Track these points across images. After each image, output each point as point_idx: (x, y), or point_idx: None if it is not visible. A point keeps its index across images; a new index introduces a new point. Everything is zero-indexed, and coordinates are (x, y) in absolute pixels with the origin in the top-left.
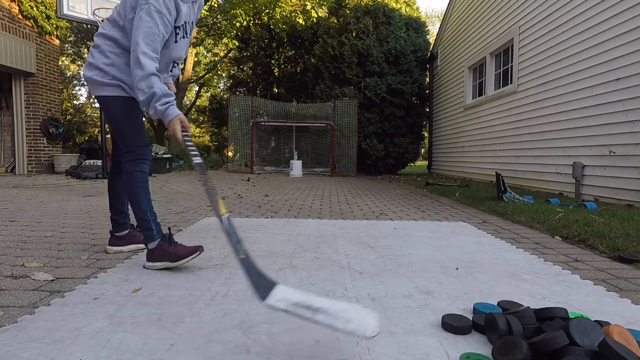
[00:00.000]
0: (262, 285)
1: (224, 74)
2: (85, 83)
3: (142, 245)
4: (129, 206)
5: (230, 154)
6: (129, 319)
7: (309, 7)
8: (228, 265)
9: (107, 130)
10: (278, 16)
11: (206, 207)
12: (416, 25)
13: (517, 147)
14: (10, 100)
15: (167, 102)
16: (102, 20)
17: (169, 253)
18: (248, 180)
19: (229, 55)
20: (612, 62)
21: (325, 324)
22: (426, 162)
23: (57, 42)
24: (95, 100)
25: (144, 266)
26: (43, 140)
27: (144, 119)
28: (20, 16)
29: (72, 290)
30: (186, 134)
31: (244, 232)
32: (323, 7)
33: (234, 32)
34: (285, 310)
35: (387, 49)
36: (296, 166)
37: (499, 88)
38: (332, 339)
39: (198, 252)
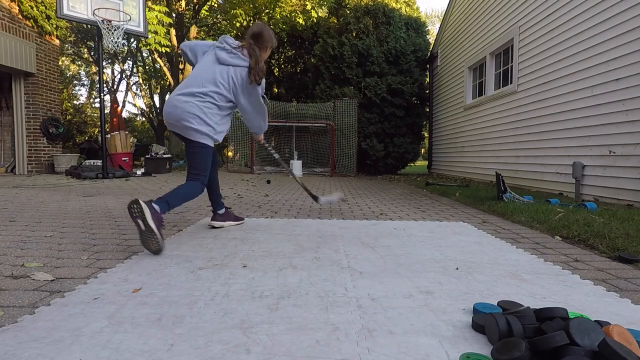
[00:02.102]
0: (315, 197)
1: None
2: (187, 129)
3: (234, 223)
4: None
5: (230, 154)
6: (129, 319)
7: (309, 7)
8: (228, 265)
9: (107, 130)
10: (278, 16)
11: (206, 207)
12: (416, 25)
13: (517, 147)
14: (10, 100)
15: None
16: (103, 21)
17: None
18: (268, 182)
19: None
20: (612, 62)
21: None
22: (426, 162)
23: (57, 42)
24: (97, 101)
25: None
26: (43, 140)
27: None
28: (20, 16)
29: (72, 290)
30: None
31: (243, 232)
32: (323, 7)
33: (234, 32)
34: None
35: (387, 49)
36: (296, 166)
37: (499, 88)
38: (332, 339)
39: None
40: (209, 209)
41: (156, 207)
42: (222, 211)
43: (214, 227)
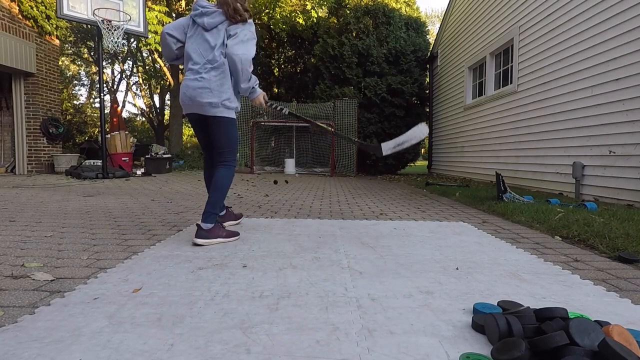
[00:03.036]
0: (377, 149)
1: None
2: (205, 106)
3: (234, 222)
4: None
5: None
6: (129, 319)
7: (309, 7)
8: (228, 265)
9: (107, 130)
10: (278, 16)
11: None
12: (416, 25)
13: (517, 147)
14: (10, 100)
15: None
16: (103, 21)
17: (222, 232)
18: (275, 182)
19: None
20: (612, 62)
21: (411, 144)
22: (426, 162)
23: (57, 42)
24: (97, 101)
25: (194, 243)
26: (43, 140)
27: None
28: (20, 16)
29: (72, 290)
30: (269, 102)
31: (244, 232)
32: (323, 7)
33: None
34: (393, 152)
35: (387, 49)
36: (289, 164)
37: (499, 88)
38: (332, 339)
39: (238, 236)
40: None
41: (208, 226)
42: (222, 212)
43: None
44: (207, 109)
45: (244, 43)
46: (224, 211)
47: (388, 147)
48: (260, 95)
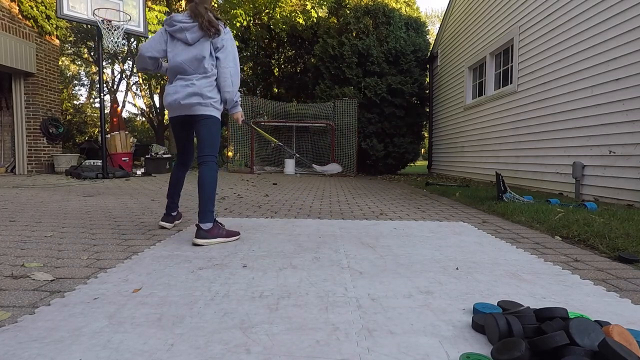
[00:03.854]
0: (311, 166)
1: None
2: (193, 105)
3: (170, 224)
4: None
5: (230, 154)
6: (129, 319)
7: (309, 7)
8: (228, 265)
9: (107, 130)
10: (278, 16)
11: None
12: (416, 25)
13: (517, 147)
14: (10, 100)
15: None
16: (103, 21)
17: (222, 232)
18: (274, 184)
19: None
20: (612, 62)
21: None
22: (426, 162)
23: (57, 42)
24: (97, 101)
25: (195, 243)
26: (43, 140)
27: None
28: (20, 16)
29: (72, 290)
30: (244, 119)
31: (244, 232)
32: (323, 7)
33: (234, 32)
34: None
35: (387, 49)
36: (289, 164)
37: (499, 88)
38: (332, 339)
39: (239, 236)
40: None
41: (208, 225)
42: (174, 213)
43: (163, 228)
44: (197, 108)
45: (232, 54)
46: (176, 212)
47: (319, 169)
48: (239, 113)
